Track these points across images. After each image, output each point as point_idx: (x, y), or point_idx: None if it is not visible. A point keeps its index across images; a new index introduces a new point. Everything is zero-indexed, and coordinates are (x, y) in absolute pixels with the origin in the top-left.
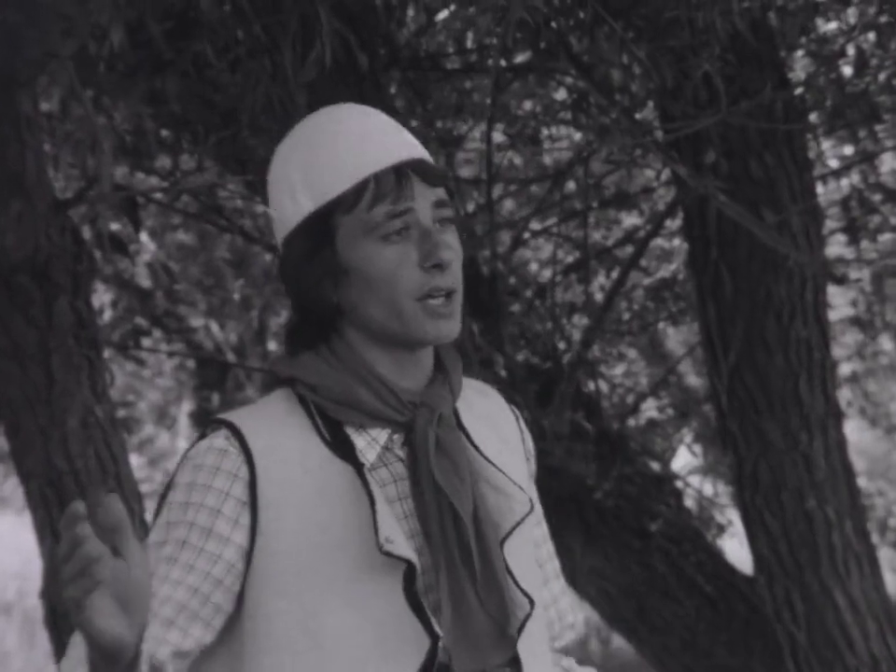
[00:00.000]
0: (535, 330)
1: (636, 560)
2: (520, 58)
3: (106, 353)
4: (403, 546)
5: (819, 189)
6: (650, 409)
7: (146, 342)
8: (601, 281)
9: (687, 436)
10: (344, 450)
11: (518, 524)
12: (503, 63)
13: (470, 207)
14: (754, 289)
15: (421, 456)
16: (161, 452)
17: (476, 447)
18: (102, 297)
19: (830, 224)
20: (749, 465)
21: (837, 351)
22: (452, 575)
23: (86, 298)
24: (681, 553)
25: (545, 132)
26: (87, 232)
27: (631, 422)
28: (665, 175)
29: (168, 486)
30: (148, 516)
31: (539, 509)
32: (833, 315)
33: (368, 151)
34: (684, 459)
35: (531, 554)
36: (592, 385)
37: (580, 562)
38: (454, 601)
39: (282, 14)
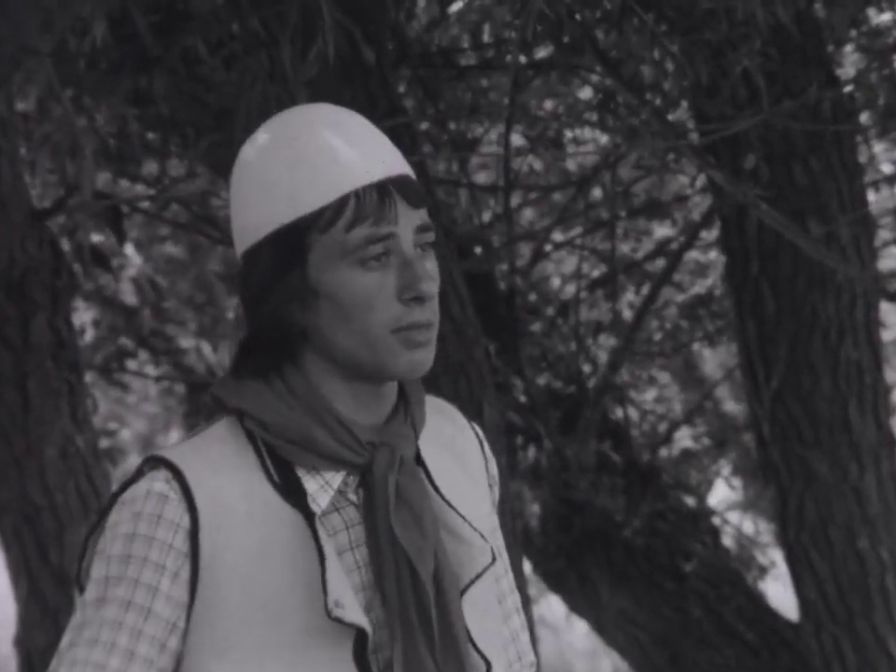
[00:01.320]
0: (557, 352)
1: (669, 604)
2: (541, 53)
3: (88, 376)
4: (354, 610)
5: (871, 196)
6: (684, 438)
7: (131, 364)
8: (630, 298)
9: (725, 468)
10: (294, 495)
11: (479, 576)
12: (522, 59)
13: (487, 217)
14: (799, 307)
15: (379, 506)
16: None
17: (436, 488)
18: (83, 315)
19: (883, 235)
20: (793, 500)
21: (891, 374)
22: (408, 640)
23: (65, 316)
24: (719, 596)
25: (568, 134)
26: (66, 245)
27: (663, 452)
28: (701, 181)
29: (98, 532)
30: None
31: (500, 544)
32: (886, 335)
33: (349, 164)
34: (722, 493)
35: (493, 604)
36: (620, 412)
37: (607, 605)
38: (407, 668)
39: (280, 6)
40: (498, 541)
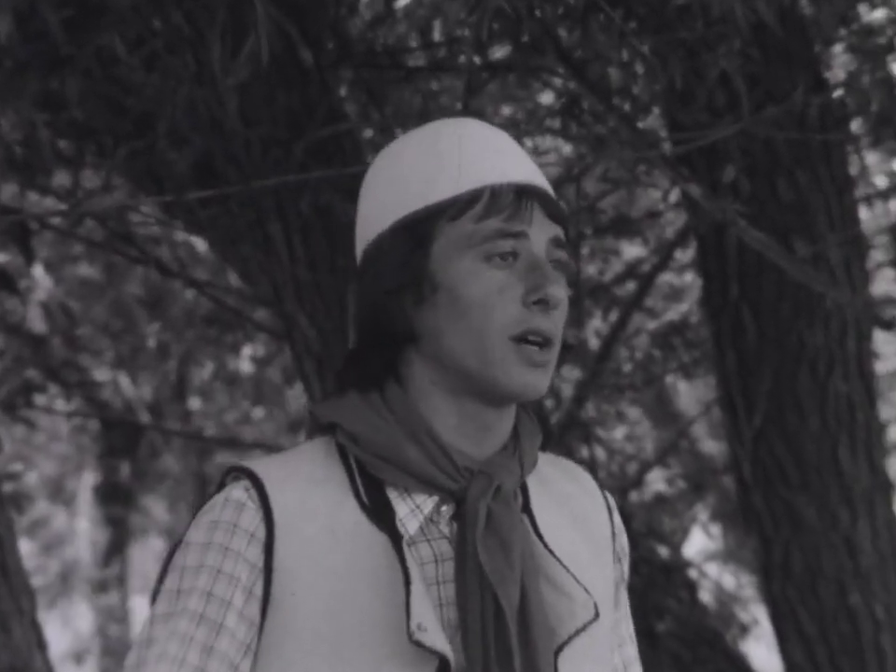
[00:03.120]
0: None
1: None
2: (497, 54)
3: None
4: (438, 636)
5: (863, 213)
6: (656, 480)
7: (39, 399)
8: (597, 324)
9: (702, 514)
10: (383, 516)
11: (578, 631)
12: (477, 59)
13: None
14: (783, 336)
15: (469, 533)
16: (57, 535)
17: (540, 535)
18: None
19: (875, 256)
20: (778, 550)
21: (885, 410)
22: None
23: None
24: (696, 658)
25: (528, 143)
26: None
27: (634, 496)
28: (675, 196)
29: (176, 546)
30: (45, 614)
31: (631, 627)
32: (880, 367)
33: (489, 161)
34: (699, 543)
35: (599, 667)
36: (586, 452)
37: None
38: None
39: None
40: (630, 625)
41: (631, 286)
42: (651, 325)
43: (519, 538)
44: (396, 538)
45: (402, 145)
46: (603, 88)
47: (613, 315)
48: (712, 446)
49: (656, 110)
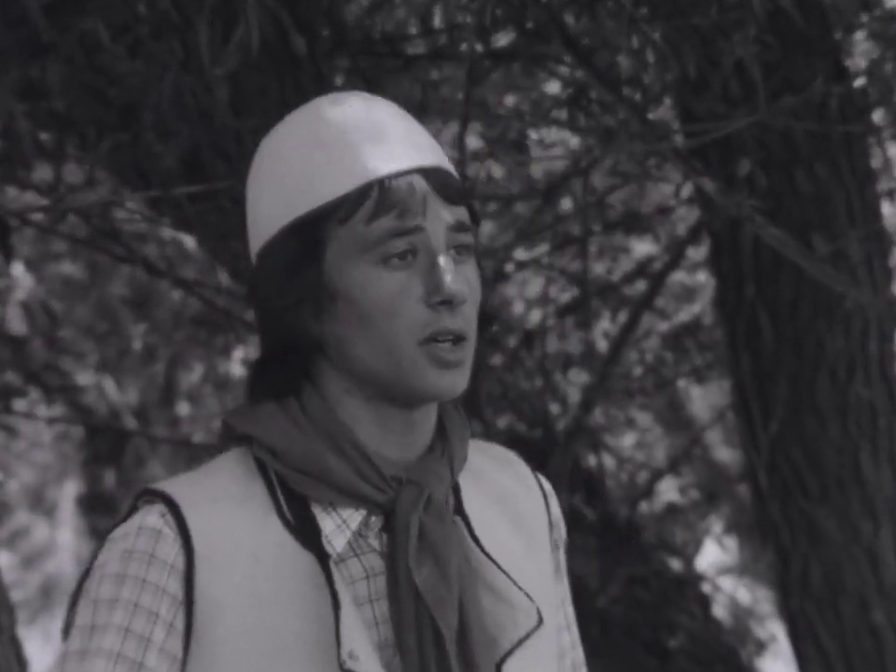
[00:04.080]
0: (520, 389)
1: None
2: (501, 41)
3: None
4: (370, 663)
5: (886, 208)
6: (668, 490)
7: (19, 404)
8: (605, 326)
9: (716, 525)
10: (308, 534)
11: (521, 641)
12: (479, 47)
13: None
14: (802, 338)
15: (400, 549)
16: (37, 547)
17: (476, 539)
18: None
19: None
20: (796, 563)
21: None
22: None
23: None
24: None
25: (533, 135)
26: None
27: (644, 507)
28: (687, 191)
29: (86, 575)
30: (25, 631)
31: (569, 614)
32: None
33: (375, 150)
34: (713, 556)
35: None
36: (593, 460)
37: None
38: None
39: None
40: (568, 611)
41: (641, 285)
42: (662, 326)
43: (455, 551)
44: (323, 557)
45: (284, 135)
46: (612, 77)
47: (622, 317)
48: (727, 454)
49: (668, 100)
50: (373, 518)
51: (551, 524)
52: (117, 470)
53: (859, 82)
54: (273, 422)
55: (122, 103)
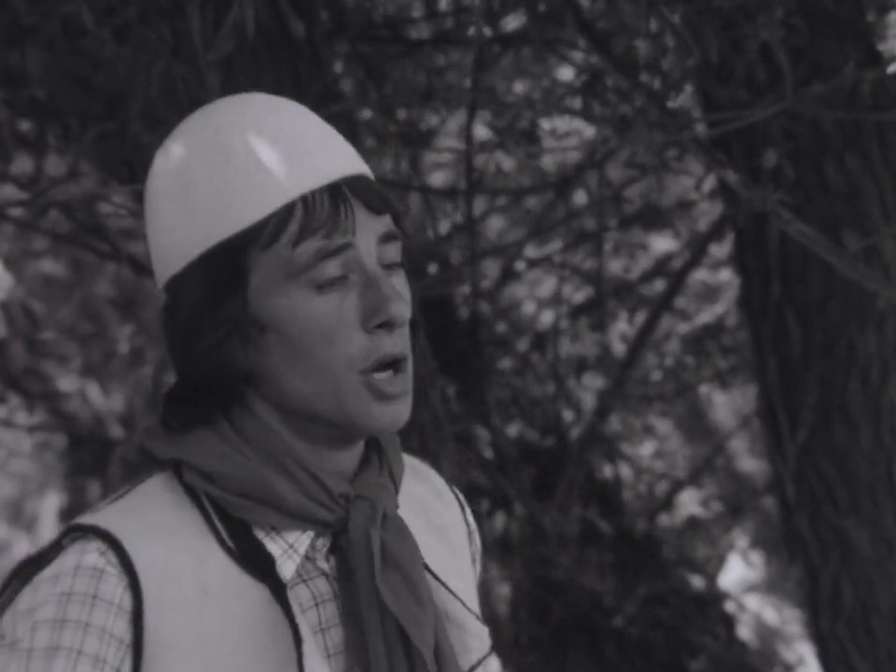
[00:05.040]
0: (531, 395)
1: None
2: (511, 25)
3: None
4: None
5: None
6: (689, 502)
7: None
8: (622, 327)
9: (741, 540)
10: (256, 563)
11: (473, 668)
12: (488, 31)
13: (444, 228)
14: (831, 340)
15: (360, 570)
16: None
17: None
18: None
19: None
20: (826, 580)
21: None
22: None
23: None
24: None
25: (545, 125)
26: None
27: (664, 520)
28: (709, 184)
29: (11, 622)
30: None
31: None
32: None
33: (293, 164)
34: (737, 572)
35: None
36: (610, 470)
37: None
38: None
39: None
40: None
41: (660, 284)
42: (683, 328)
43: (421, 569)
44: (277, 587)
45: (185, 150)
46: (629, 63)
47: (640, 318)
48: (751, 464)
49: (689, 88)
50: (320, 539)
51: (469, 535)
52: (101, 482)
53: (893, 68)
54: (207, 444)
55: (108, 90)
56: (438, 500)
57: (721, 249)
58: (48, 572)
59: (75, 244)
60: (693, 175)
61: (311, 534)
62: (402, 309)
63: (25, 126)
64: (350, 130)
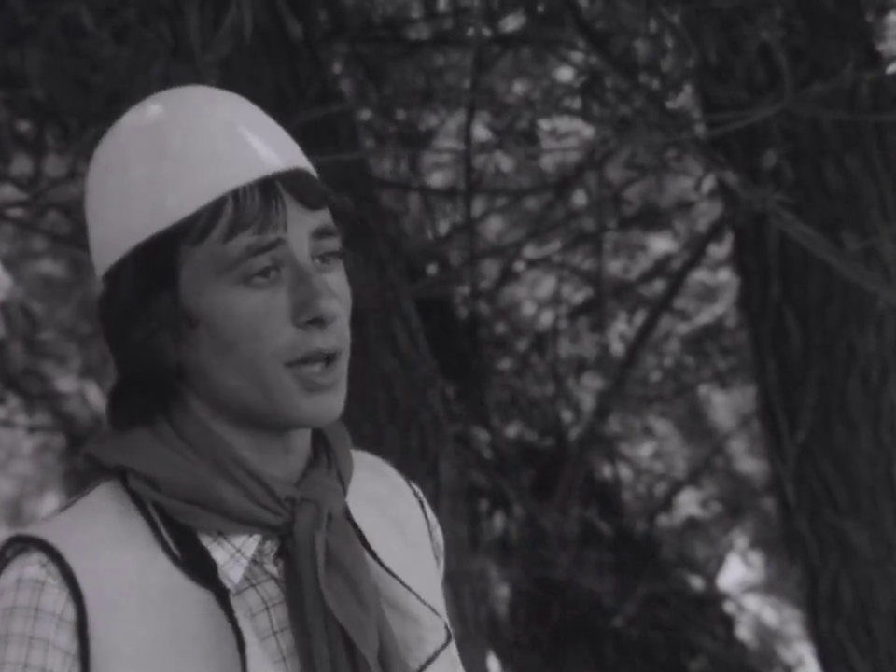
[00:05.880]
0: (531, 395)
1: None
2: (510, 25)
3: None
4: None
5: None
6: (688, 503)
7: None
8: (621, 328)
9: (740, 540)
10: (200, 569)
11: (430, 660)
12: (487, 32)
13: (443, 228)
14: (831, 341)
15: (305, 573)
16: None
17: (373, 553)
18: None
19: None
20: (825, 581)
21: None
22: None
23: None
24: None
25: (544, 125)
26: None
27: (663, 521)
28: (709, 184)
29: None
30: None
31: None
32: None
33: (225, 158)
34: (736, 573)
35: None
36: (609, 471)
37: None
38: None
39: None
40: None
41: (659, 285)
42: (682, 328)
43: (366, 572)
44: (221, 592)
45: (122, 142)
46: (628, 63)
47: (639, 318)
48: (751, 465)
49: (688, 88)
50: (268, 543)
51: (430, 531)
52: None
53: (892, 68)
54: (149, 449)
55: (107, 91)
56: (396, 496)
57: (720, 250)
58: None
59: (74, 244)
60: (693, 175)
61: (258, 537)
62: (333, 305)
63: (24, 127)
64: (350, 130)
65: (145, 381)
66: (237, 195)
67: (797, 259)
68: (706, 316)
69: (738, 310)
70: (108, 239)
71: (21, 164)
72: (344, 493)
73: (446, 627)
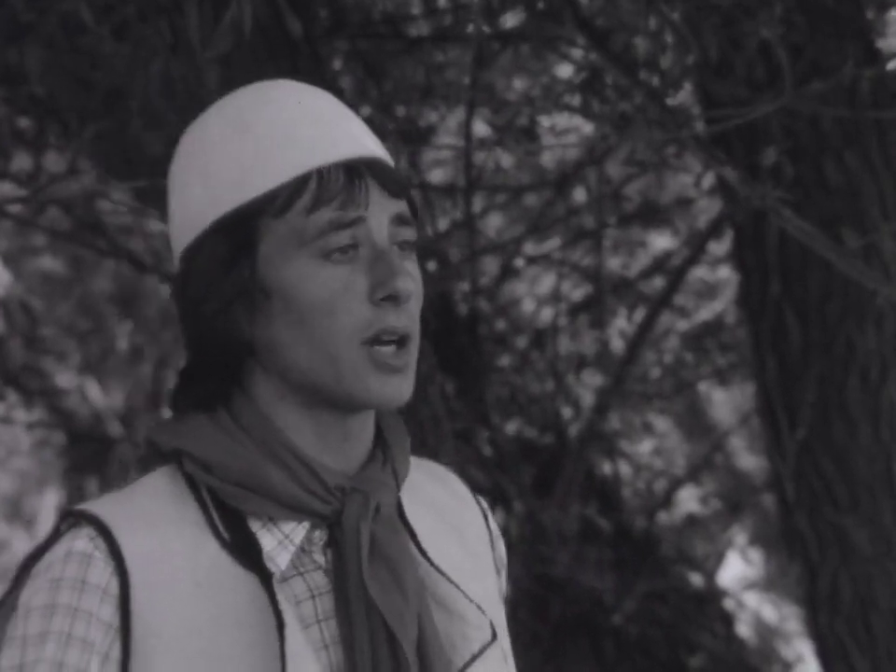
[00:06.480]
0: (530, 392)
1: None
2: (510, 22)
3: None
4: None
5: None
6: (688, 500)
7: None
8: (621, 325)
9: (739, 537)
10: (247, 553)
11: (474, 657)
12: (487, 28)
13: (443, 225)
14: (830, 338)
15: (350, 562)
16: (16, 560)
17: (423, 551)
18: None
19: None
20: (825, 578)
21: None
22: None
23: None
24: None
25: (544, 122)
26: None
27: (663, 518)
28: (708, 181)
29: (6, 611)
30: None
31: (507, 647)
32: None
33: (311, 139)
34: (736, 570)
35: None
36: (609, 468)
37: None
38: None
39: None
40: (505, 644)
41: (659, 281)
42: (682, 325)
43: (409, 563)
44: (265, 576)
45: (208, 124)
46: (628, 60)
47: (639, 315)
48: (750, 461)
49: (688, 85)
50: (317, 532)
51: (492, 542)
52: (100, 480)
53: (892, 65)
54: (205, 434)
55: (107, 87)
56: (459, 505)
57: (720, 246)
58: (44, 561)
59: (74, 240)
60: (693, 172)
61: (306, 525)
62: (409, 284)
63: (24, 123)
64: None
65: (215, 361)
66: (321, 172)
67: (797, 256)
68: (705, 313)
69: (738, 307)
70: (190, 216)
71: (21, 161)
72: (397, 489)
73: (492, 626)
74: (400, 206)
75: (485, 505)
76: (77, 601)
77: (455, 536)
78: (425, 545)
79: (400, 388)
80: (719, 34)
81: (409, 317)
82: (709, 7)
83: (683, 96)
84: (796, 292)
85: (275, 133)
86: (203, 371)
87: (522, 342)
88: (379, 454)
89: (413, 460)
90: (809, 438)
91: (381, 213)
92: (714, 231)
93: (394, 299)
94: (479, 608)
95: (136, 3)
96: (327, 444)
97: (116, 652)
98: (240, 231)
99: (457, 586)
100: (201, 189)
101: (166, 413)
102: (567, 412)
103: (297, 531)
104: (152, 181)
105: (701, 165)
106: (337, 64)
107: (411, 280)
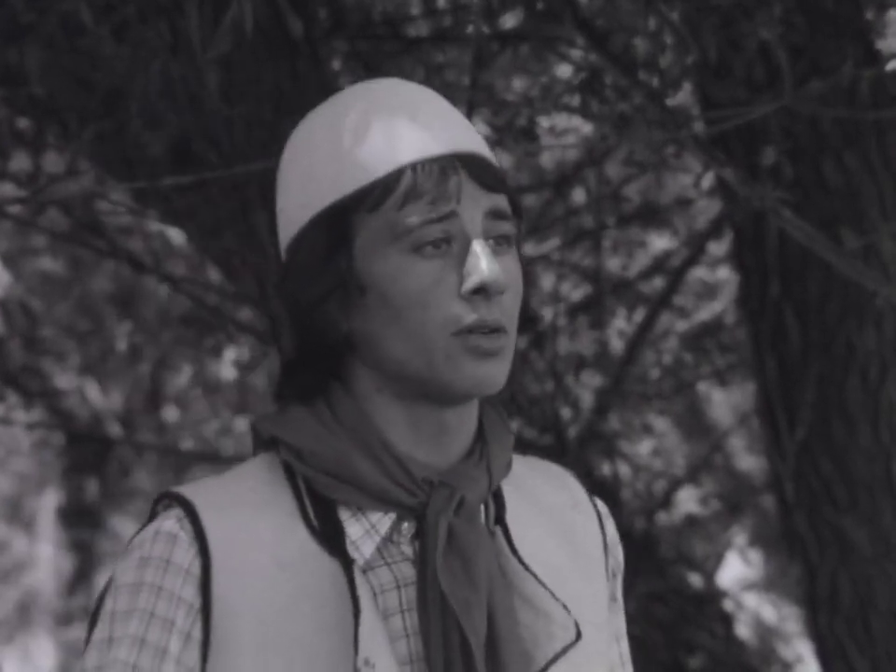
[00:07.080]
0: (529, 393)
1: None
2: (509, 22)
3: None
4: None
5: None
6: (687, 500)
7: None
8: (620, 325)
9: (739, 538)
10: (333, 540)
11: (557, 656)
12: (486, 29)
13: None
14: (830, 338)
15: (429, 554)
16: (16, 562)
17: (514, 550)
18: None
19: None
20: (824, 579)
21: None
22: None
23: None
24: None
25: (544, 122)
26: None
27: (662, 518)
28: (708, 181)
29: (107, 587)
30: (2, 650)
31: (625, 652)
32: None
33: (406, 135)
34: (735, 570)
35: None
36: (608, 468)
37: None
38: None
39: None
40: (623, 648)
41: (659, 282)
42: (682, 326)
43: (485, 556)
44: (347, 562)
45: (311, 123)
46: (627, 60)
47: (639, 315)
48: (750, 462)
49: (687, 85)
50: (405, 524)
51: (606, 547)
52: (99, 480)
53: (892, 66)
54: (301, 424)
55: (107, 88)
56: (572, 507)
57: (719, 247)
58: (137, 539)
59: (73, 241)
60: (692, 172)
61: (392, 516)
62: (499, 277)
63: (24, 124)
64: None
65: (314, 354)
66: (415, 167)
67: (796, 257)
68: (705, 314)
69: (737, 307)
70: (292, 212)
71: (21, 161)
72: (490, 485)
73: (576, 626)
74: (496, 200)
75: (603, 509)
76: (161, 580)
77: (565, 539)
78: (519, 544)
79: (493, 373)
80: (718, 34)
81: (501, 311)
82: (709, 8)
83: (682, 97)
84: (796, 293)
85: (371, 129)
86: (303, 364)
87: (521, 342)
88: (477, 450)
89: (532, 461)
90: (809, 438)
91: (474, 208)
92: (713, 231)
93: (484, 292)
94: (566, 608)
95: (136, 3)
96: (421, 437)
97: (197, 633)
98: (336, 226)
99: (545, 586)
100: (302, 185)
101: (165, 413)
102: (566, 412)
103: (383, 521)
104: (151, 181)
105: (700, 166)
106: (337, 65)
107: (502, 275)
